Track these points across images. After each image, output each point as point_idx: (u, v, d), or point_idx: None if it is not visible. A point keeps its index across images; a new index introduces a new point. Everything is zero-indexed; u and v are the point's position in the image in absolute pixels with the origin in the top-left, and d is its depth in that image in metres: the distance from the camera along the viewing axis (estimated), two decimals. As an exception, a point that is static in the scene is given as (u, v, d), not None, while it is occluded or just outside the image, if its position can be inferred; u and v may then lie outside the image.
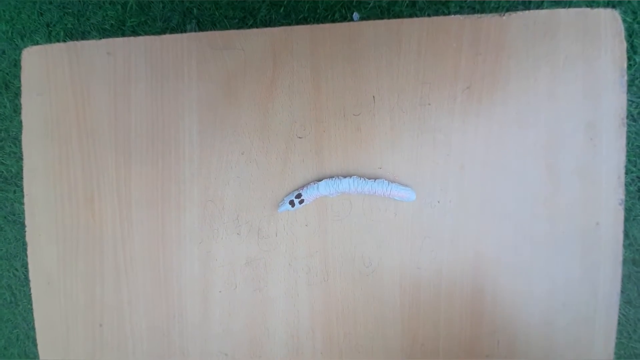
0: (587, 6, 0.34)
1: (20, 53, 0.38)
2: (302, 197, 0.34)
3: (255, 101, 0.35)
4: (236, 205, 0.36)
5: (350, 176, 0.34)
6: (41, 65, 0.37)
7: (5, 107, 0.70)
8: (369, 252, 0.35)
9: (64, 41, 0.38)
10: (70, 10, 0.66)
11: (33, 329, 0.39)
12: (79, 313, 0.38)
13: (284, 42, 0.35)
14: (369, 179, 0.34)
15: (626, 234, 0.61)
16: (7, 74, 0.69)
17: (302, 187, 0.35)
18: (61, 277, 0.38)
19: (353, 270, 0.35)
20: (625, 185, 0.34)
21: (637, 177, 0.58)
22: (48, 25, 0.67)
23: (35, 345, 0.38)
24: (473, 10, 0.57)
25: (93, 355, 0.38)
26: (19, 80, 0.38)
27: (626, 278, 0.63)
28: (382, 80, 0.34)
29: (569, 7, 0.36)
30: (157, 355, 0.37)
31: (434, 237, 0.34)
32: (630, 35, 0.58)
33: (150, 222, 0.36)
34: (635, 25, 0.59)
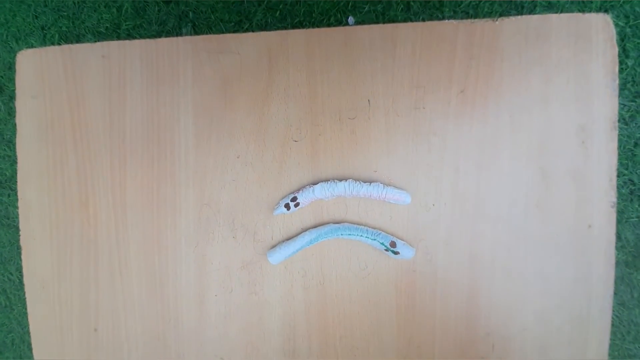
0: (579, 11, 0.35)
1: (14, 56, 0.38)
2: (297, 200, 0.34)
3: (251, 105, 0.35)
4: (232, 209, 0.36)
5: (346, 179, 0.34)
6: (36, 68, 0.37)
7: (-1, 110, 0.70)
8: (365, 255, 0.35)
9: (59, 44, 0.38)
10: (65, 13, 0.66)
11: (28, 333, 0.38)
12: (74, 317, 0.37)
13: (280, 46, 0.35)
14: (365, 182, 0.34)
15: (619, 236, 0.62)
16: (2, 76, 0.69)
17: (298, 190, 0.35)
18: (56, 281, 0.37)
19: (349, 273, 0.35)
20: (617, 187, 0.34)
21: (630, 179, 0.59)
22: (43, 28, 0.67)
23: (31, 349, 0.38)
24: (467, 14, 0.57)
25: (88, 359, 0.37)
26: (14, 83, 0.38)
27: (619, 280, 0.63)
28: (377, 84, 0.34)
29: (562, 12, 0.36)
30: (152, 360, 0.37)
31: (429, 239, 0.35)
32: (622, 39, 0.59)
33: (145, 225, 0.36)
34: (628, 29, 0.60)
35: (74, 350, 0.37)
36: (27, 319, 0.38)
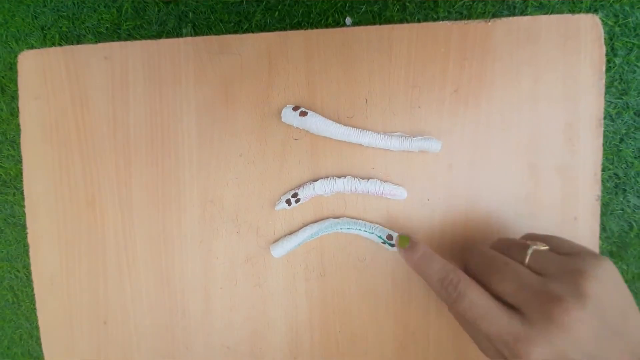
0: (570, 10, 0.36)
1: (15, 56, 0.38)
2: (298, 196, 0.35)
3: (252, 104, 0.36)
4: (235, 205, 0.37)
5: (345, 176, 0.35)
6: (38, 69, 0.38)
7: (1, 110, 0.70)
8: (363, 247, 0.36)
9: (59, 44, 0.39)
10: (65, 14, 0.66)
11: (36, 328, 0.39)
12: (83, 311, 0.39)
13: (280, 46, 0.36)
14: (363, 178, 0.35)
15: (604, 228, 0.64)
16: (3, 77, 0.69)
17: (299, 186, 0.36)
18: (64, 277, 0.38)
19: (348, 265, 0.37)
20: (603, 181, 0.36)
21: (615, 174, 0.61)
22: (43, 29, 0.67)
23: (39, 344, 0.39)
24: (461, 14, 0.58)
25: (98, 352, 0.39)
26: (15, 84, 0.39)
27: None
28: (374, 83, 0.35)
29: (552, 12, 0.37)
30: (161, 351, 0.38)
31: (424, 232, 0.36)
32: (611, 38, 0.60)
33: (151, 222, 0.37)
34: (617, 28, 0.61)
35: (83, 343, 0.39)
36: (35, 315, 0.39)
